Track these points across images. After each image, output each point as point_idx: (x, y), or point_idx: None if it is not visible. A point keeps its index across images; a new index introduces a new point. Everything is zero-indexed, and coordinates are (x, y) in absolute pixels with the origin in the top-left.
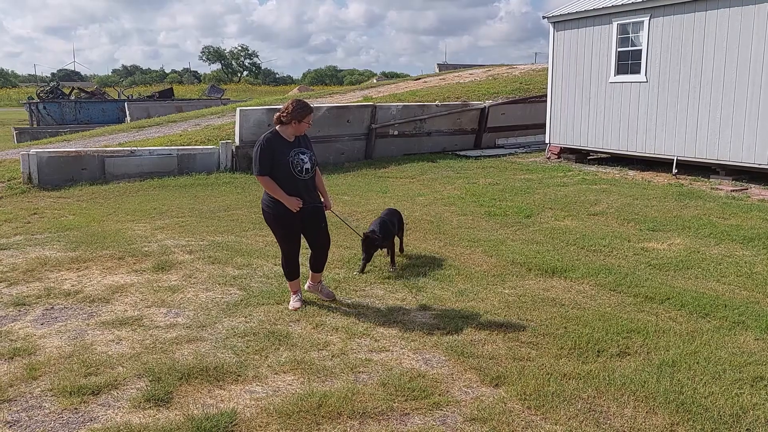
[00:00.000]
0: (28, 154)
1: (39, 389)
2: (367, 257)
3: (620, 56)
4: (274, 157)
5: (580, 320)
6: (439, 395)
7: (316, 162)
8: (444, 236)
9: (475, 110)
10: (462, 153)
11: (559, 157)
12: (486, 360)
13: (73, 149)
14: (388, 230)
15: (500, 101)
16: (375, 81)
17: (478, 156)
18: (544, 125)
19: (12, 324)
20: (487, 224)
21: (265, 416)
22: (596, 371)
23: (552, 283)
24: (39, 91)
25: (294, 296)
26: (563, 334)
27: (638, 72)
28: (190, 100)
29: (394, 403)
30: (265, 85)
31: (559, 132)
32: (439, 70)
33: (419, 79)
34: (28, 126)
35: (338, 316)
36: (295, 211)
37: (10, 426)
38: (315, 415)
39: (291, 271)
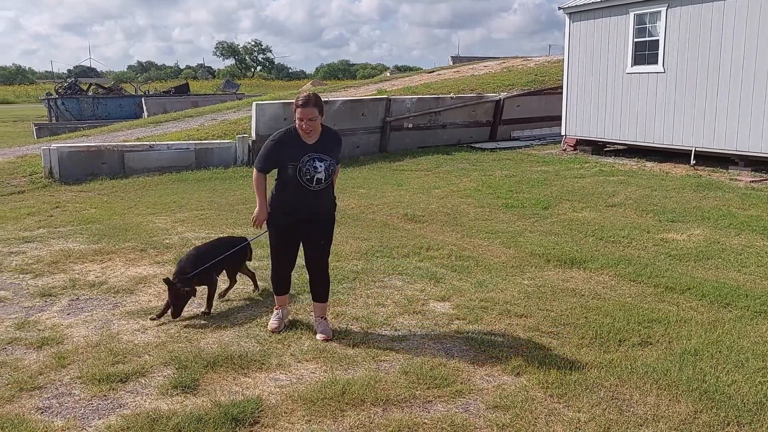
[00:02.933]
0: (49, 149)
1: (68, 377)
2: (175, 312)
3: (637, 47)
4: (280, 159)
5: (601, 310)
6: (461, 383)
7: (333, 171)
8: (461, 228)
9: (490, 102)
10: (477, 145)
11: (575, 149)
12: (507, 349)
13: (93, 144)
14: (201, 265)
15: (515, 93)
16: (388, 74)
17: (494, 148)
18: (559, 117)
19: (39, 314)
20: (504, 216)
21: (290, 403)
22: (618, 360)
23: (571, 274)
24: (57, 87)
25: (275, 312)
26: (584, 324)
27: (655, 62)
28: (205, 95)
29: (417, 390)
30: (279, 80)
31: (575, 124)
32: (453, 63)
33: (433, 71)
34: (47, 122)
35: (359, 306)
36: (256, 226)
37: (42, 412)
38: (339, 402)
39: (277, 284)
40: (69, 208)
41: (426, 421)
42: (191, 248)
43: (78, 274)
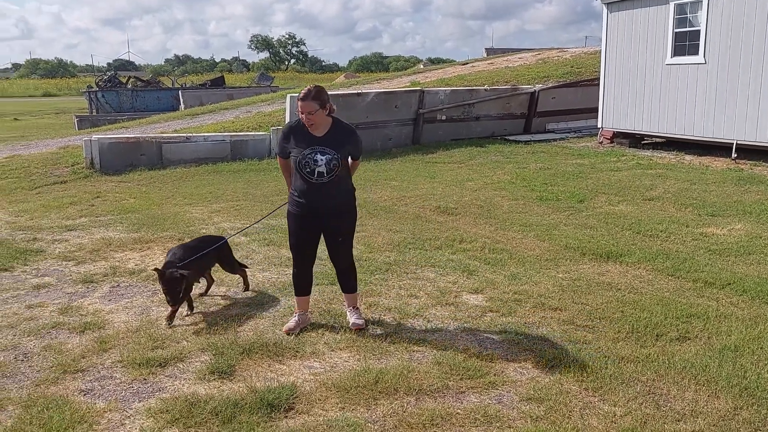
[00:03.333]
0: (90, 141)
1: (109, 361)
2: (173, 299)
3: (677, 37)
4: (288, 148)
5: (638, 304)
6: (494, 375)
7: (337, 165)
8: (495, 221)
9: (525, 94)
10: (511, 138)
11: (611, 142)
12: (541, 342)
13: (132, 136)
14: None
15: (551, 85)
16: (422, 66)
17: (528, 141)
18: (596, 109)
19: (81, 300)
20: (538, 209)
21: (324, 390)
22: (655, 355)
23: (607, 268)
24: (97, 80)
25: (294, 315)
26: (620, 318)
27: (696, 53)
28: (240, 87)
29: (450, 381)
30: (312, 73)
31: (612, 116)
32: (487, 55)
33: (467, 63)
34: (88, 114)
35: (391, 297)
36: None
37: (85, 394)
38: (372, 390)
39: (297, 284)
40: (109, 198)
41: (459, 411)
42: (176, 245)
43: (118, 261)
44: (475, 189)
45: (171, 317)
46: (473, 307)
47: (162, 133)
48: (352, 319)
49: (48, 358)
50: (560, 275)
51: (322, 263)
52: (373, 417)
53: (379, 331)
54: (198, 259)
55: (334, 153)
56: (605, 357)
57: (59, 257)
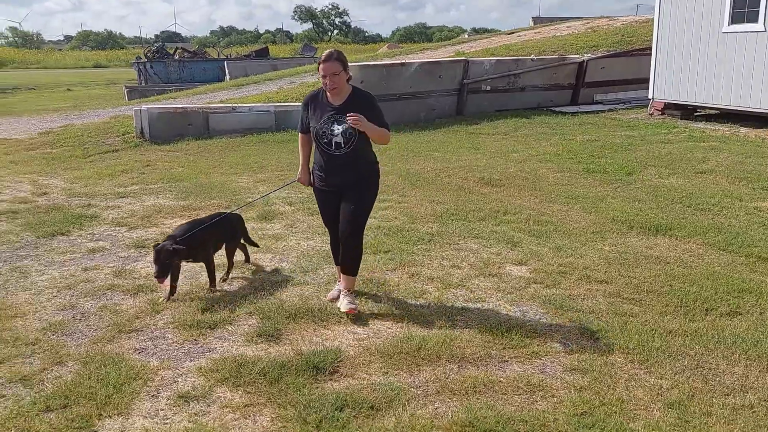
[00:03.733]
0: (140, 111)
1: (162, 322)
2: (159, 272)
3: (735, 4)
4: (307, 119)
5: (687, 278)
6: (538, 345)
7: (356, 134)
8: (540, 193)
9: (573, 64)
10: (557, 109)
11: (662, 114)
12: (586, 314)
13: (180, 106)
14: (198, 238)
15: (600, 55)
16: (466, 36)
17: (575, 112)
18: (646, 80)
19: (134, 264)
20: (585, 181)
21: (367, 355)
22: (704, 329)
23: (656, 242)
24: (146, 51)
25: (337, 283)
26: (668, 291)
27: (755, 20)
28: (284, 58)
29: (492, 350)
30: (355, 44)
31: (663, 87)
32: (534, 24)
33: (513, 33)
34: (137, 84)
35: (434, 267)
36: (301, 183)
37: (139, 352)
38: (415, 357)
39: (334, 255)
40: (159, 167)
41: (501, 379)
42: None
43: (168, 228)
44: (520, 161)
45: (169, 295)
46: (517, 278)
47: (208, 103)
48: (344, 302)
49: (104, 318)
50: (606, 248)
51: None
52: (416, 382)
53: (421, 301)
54: (202, 234)
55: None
56: (652, 330)
57: (112, 223)
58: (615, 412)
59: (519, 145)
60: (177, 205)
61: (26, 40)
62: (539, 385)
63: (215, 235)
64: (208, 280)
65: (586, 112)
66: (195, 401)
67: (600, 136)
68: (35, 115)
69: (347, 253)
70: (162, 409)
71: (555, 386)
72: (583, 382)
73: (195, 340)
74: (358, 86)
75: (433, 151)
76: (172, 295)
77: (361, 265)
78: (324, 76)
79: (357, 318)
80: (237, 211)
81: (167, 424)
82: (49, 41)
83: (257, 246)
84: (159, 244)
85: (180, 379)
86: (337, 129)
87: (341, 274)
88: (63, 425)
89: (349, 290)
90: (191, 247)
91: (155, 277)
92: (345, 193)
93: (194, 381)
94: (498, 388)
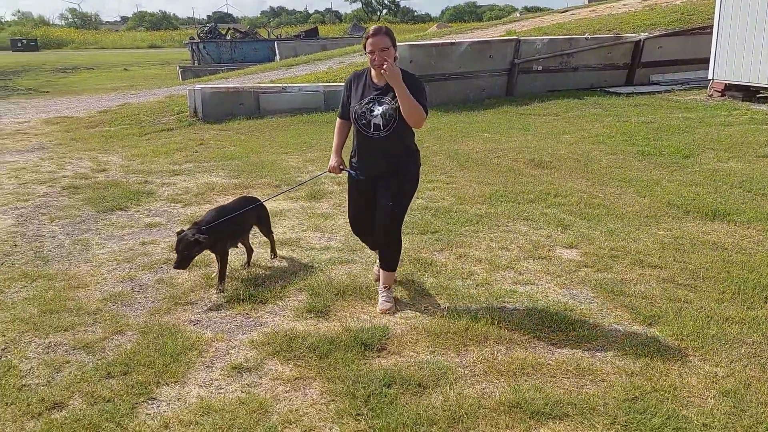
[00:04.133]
0: (194, 90)
1: (215, 295)
2: (179, 262)
3: None
4: (348, 100)
5: (746, 265)
6: (588, 329)
7: (396, 117)
8: (592, 175)
9: (629, 44)
10: (612, 90)
11: (723, 95)
12: (638, 299)
13: (232, 85)
14: (222, 229)
15: (657, 33)
16: (518, 15)
17: (630, 93)
18: (706, 60)
19: None
20: (639, 164)
21: (414, 334)
22: (763, 317)
23: (713, 227)
24: (199, 31)
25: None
26: (725, 278)
27: None
28: (333, 38)
29: (541, 333)
30: (403, 23)
31: (724, 67)
32: (589, 2)
33: (566, 11)
34: (190, 64)
35: (482, 249)
36: (331, 172)
37: (194, 324)
38: (462, 337)
39: (372, 248)
40: (211, 145)
41: (550, 362)
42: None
43: (234, 196)
44: (572, 142)
45: (220, 285)
46: (567, 261)
47: (259, 83)
48: (381, 299)
49: (161, 290)
50: (661, 233)
51: (411, 212)
52: (464, 362)
53: (469, 282)
54: (229, 223)
55: (391, 103)
56: (707, 317)
57: (168, 199)
58: (667, 399)
59: (571, 126)
60: (229, 183)
61: (85, 21)
62: (589, 369)
63: (239, 225)
64: (246, 263)
65: (642, 93)
66: (247, 373)
67: (656, 117)
68: (94, 93)
69: (385, 249)
70: (216, 379)
71: (605, 371)
72: (634, 368)
73: (247, 314)
74: (406, 68)
75: (482, 131)
76: (224, 279)
77: (407, 245)
78: (371, 52)
79: (405, 297)
80: (266, 201)
81: (221, 393)
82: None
83: (273, 243)
84: (183, 231)
85: (233, 351)
86: (378, 110)
87: (381, 270)
88: (123, 391)
89: (386, 287)
90: (210, 242)
91: (174, 267)
92: (380, 184)
93: (246, 353)
94: (546, 370)
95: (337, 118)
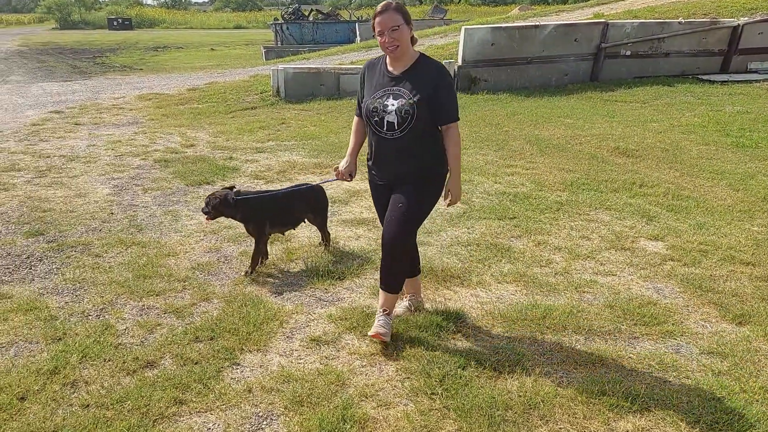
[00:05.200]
0: (277, 70)
1: (296, 269)
2: (204, 208)
3: None
4: (363, 96)
5: None
6: (672, 325)
7: (414, 115)
8: (681, 166)
9: (726, 29)
10: (705, 77)
11: None
12: (728, 296)
13: (314, 66)
14: (251, 206)
15: (758, 18)
16: None
17: (725, 81)
18: None
19: None
20: (733, 156)
21: (490, 318)
22: None
23: None
24: (283, 13)
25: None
26: None
27: None
28: (414, 20)
29: (622, 325)
30: (485, 6)
31: None
32: None
33: None
34: (274, 45)
35: (561, 237)
36: (337, 177)
37: (275, 296)
38: (539, 325)
39: None
40: (292, 125)
41: (631, 355)
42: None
43: (301, 181)
44: (660, 131)
45: (252, 268)
46: (652, 254)
47: (340, 64)
48: (376, 322)
49: (244, 262)
50: (755, 228)
51: (488, 196)
52: (540, 350)
53: (547, 270)
54: (258, 204)
55: (409, 97)
56: None
57: (251, 175)
58: (757, 401)
59: (659, 114)
60: (309, 162)
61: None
62: (672, 365)
63: (283, 211)
64: (322, 243)
65: (738, 82)
66: (325, 345)
67: (753, 107)
68: (183, 72)
69: (388, 264)
70: (296, 350)
71: (690, 368)
72: (721, 367)
73: (325, 289)
74: (488, 52)
75: (564, 117)
76: (255, 267)
77: (483, 230)
78: (380, 33)
79: (480, 282)
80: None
81: (300, 363)
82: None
83: (327, 238)
84: (227, 189)
85: (312, 324)
86: (392, 105)
87: (381, 291)
88: (210, 355)
89: (385, 310)
90: (243, 212)
91: (202, 210)
92: (396, 188)
93: (325, 327)
94: (627, 363)
95: (354, 117)
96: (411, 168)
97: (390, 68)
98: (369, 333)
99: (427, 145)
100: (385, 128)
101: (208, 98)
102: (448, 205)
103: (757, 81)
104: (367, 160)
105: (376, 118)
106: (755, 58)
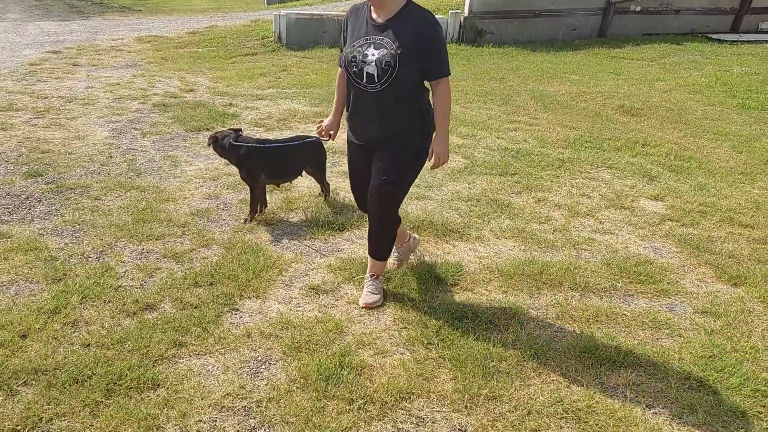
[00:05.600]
0: (279, 15)
1: (295, 219)
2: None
3: None
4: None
5: None
6: (668, 284)
7: (396, 67)
8: (685, 126)
9: None
10: (715, 36)
11: None
12: (725, 258)
13: (317, 12)
14: (244, 153)
15: None
16: None
17: (735, 41)
18: None
19: None
20: (738, 117)
21: (487, 273)
22: None
23: None
24: None
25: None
26: None
27: None
28: None
29: (618, 283)
30: None
31: None
32: None
33: None
34: None
35: (562, 194)
36: (319, 135)
37: (274, 244)
38: (536, 280)
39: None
40: (294, 72)
41: (626, 312)
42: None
43: (301, 132)
44: (666, 90)
45: (250, 216)
46: (651, 213)
47: (343, 11)
48: (365, 290)
49: (244, 209)
50: (756, 191)
51: (490, 152)
52: (536, 304)
53: (546, 227)
54: (251, 152)
55: (391, 47)
56: None
57: (251, 123)
58: (747, 360)
59: (666, 73)
60: (310, 111)
61: None
62: (666, 323)
63: (280, 162)
64: (321, 194)
65: (748, 42)
66: (324, 294)
67: (762, 69)
68: (183, 14)
69: (374, 233)
70: (295, 298)
71: (683, 326)
72: (714, 326)
73: (325, 239)
74: (495, 3)
75: (569, 73)
76: (254, 215)
77: (484, 185)
78: None
79: (479, 237)
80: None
81: (299, 310)
82: None
83: (327, 190)
84: (234, 130)
85: (311, 273)
86: (372, 55)
87: (369, 257)
88: (210, 300)
89: (374, 275)
90: (238, 158)
91: (210, 142)
92: (377, 152)
93: (324, 276)
94: (621, 320)
95: (339, 68)
96: (392, 129)
97: (374, 15)
98: (360, 302)
99: (410, 102)
100: (364, 80)
101: (208, 42)
102: (432, 167)
103: (767, 41)
104: (347, 117)
105: (354, 69)
106: (767, 17)
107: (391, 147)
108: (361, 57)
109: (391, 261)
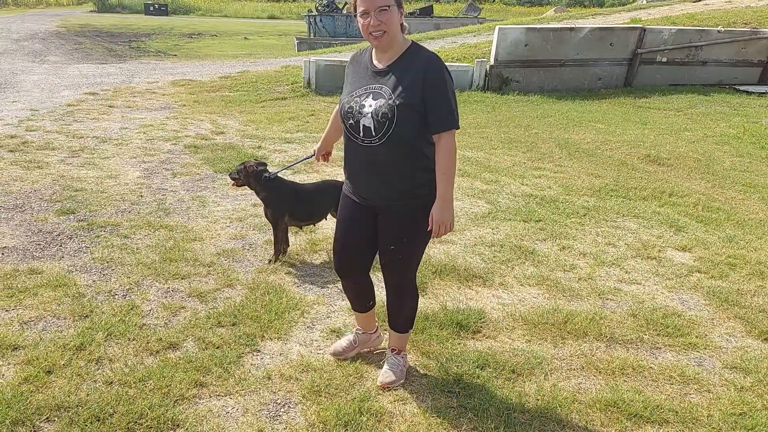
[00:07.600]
0: (309, 62)
1: (318, 261)
2: (232, 174)
3: None
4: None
5: None
6: (696, 337)
7: (394, 119)
8: (713, 177)
9: (766, 39)
10: (742, 88)
11: None
12: (755, 312)
13: (346, 59)
14: (274, 188)
15: None
16: (644, 2)
17: (763, 93)
18: None
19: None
20: (767, 169)
21: (510, 321)
22: None
23: None
24: (317, 5)
25: (350, 333)
26: None
27: None
28: (447, 18)
29: (645, 335)
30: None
31: None
32: None
33: (699, 1)
34: (306, 37)
35: (587, 242)
36: (316, 158)
37: (297, 286)
38: (560, 329)
39: (348, 297)
40: (322, 117)
41: (653, 366)
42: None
43: (328, 176)
44: (693, 140)
45: (274, 257)
46: (679, 264)
47: None
48: (385, 366)
49: (268, 251)
50: None
51: (515, 198)
52: (560, 354)
53: (571, 275)
54: (283, 189)
55: (390, 96)
56: None
57: (279, 165)
58: None
59: (693, 123)
60: (337, 155)
61: None
62: (694, 378)
63: (306, 202)
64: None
65: None
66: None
67: None
68: (216, 59)
69: (395, 306)
70: (316, 340)
71: (712, 381)
72: (744, 383)
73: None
74: (521, 52)
75: (595, 122)
76: (278, 256)
77: (508, 231)
78: (364, 14)
79: (503, 283)
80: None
81: (320, 353)
82: None
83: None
84: (261, 162)
85: (333, 315)
86: (369, 106)
87: (390, 330)
88: (232, 340)
89: (395, 350)
90: (267, 193)
91: (229, 175)
92: (379, 215)
93: (345, 319)
94: (648, 374)
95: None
96: (389, 186)
97: (375, 61)
98: (378, 380)
99: (413, 161)
100: (361, 134)
101: (240, 87)
102: (433, 236)
103: None
104: (343, 169)
105: (351, 121)
106: None
107: (395, 209)
108: (357, 108)
109: (344, 342)
